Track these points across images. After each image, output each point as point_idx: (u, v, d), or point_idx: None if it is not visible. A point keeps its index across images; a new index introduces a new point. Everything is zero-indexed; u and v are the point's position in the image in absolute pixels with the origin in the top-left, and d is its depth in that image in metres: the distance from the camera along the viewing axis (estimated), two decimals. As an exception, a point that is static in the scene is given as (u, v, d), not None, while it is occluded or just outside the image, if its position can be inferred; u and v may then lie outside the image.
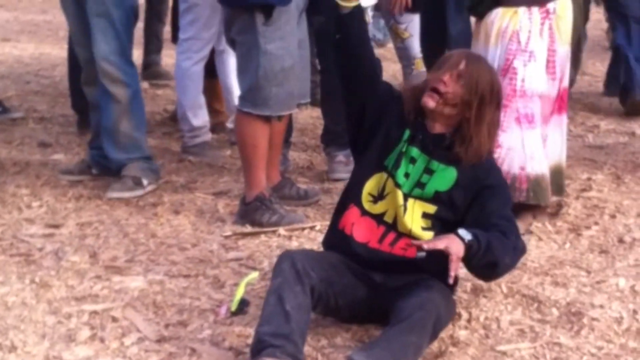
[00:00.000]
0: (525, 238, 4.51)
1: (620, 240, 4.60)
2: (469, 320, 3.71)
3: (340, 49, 3.75)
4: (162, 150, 5.99)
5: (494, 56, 4.54)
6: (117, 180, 5.22)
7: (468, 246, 3.30)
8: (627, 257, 4.40)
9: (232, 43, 4.87)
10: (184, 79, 5.94)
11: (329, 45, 5.24)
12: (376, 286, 3.57)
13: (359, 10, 3.65)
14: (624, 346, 3.54)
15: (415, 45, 6.32)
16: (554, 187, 4.78)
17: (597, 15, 9.52)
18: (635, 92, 6.86)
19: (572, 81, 6.86)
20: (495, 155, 4.36)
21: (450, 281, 3.27)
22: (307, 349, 3.39)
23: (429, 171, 3.59)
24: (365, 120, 3.69)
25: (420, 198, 3.57)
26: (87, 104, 5.97)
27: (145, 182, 5.21)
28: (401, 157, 3.60)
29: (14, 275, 4.12)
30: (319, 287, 3.42)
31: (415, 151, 3.60)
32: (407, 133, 3.62)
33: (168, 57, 8.78)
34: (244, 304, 3.75)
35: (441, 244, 3.28)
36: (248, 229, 4.70)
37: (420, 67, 6.32)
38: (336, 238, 3.68)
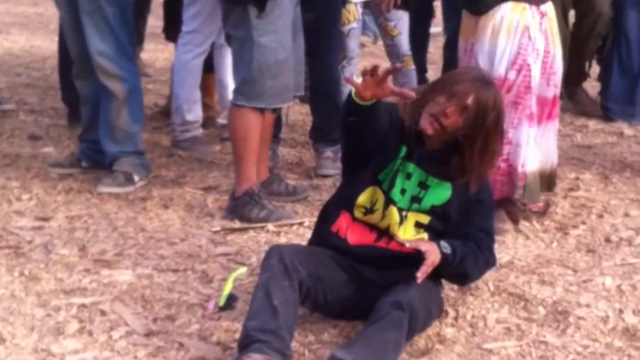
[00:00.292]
0: (512, 236, 4.57)
1: (607, 240, 4.62)
2: (455, 318, 3.73)
3: (351, 130, 3.59)
4: (152, 144, 5.99)
5: (504, 51, 4.51)
6: (109, 175, 5.22)
7: (444, 257, 3.48)
8: (614, 256, 4.42)
9: (229, 38, 4.89)
10: (182, 71, 5.93)
11: (317, 42, 5.27)
12: (365, 283, 3.57)
13: (377, 102, 3.52)
14: (609, 345, 3.56)
15: (404, 43, 6.34)
16: (544, 185, 4.81)
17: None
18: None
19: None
20: (505, 152, 4.47)
21: (418, 281, 3.39)
22: (294, 344, 3.40)
23: (424, 186, 3.61)
24: (365, 155, 3.67)
25: (417, 211, 3.61)
26: (77, 97, 5.97)
27: (136, 178, 5.22)
28: (397, 174, 3.60)
29: (3, 267, 4.12)
30: (307, 282, 3.42)
31: (411, 167, 3.61)
32: (403, 150, 3.61)
33: (159, 52, 8.81)
34: (232, 299, 3.76)
35: (422, 246, 3.44)
36: (237, 224, 4.72)
37: (409, 64, 6.34)
38: (328, 239, 3.67)
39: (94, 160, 5.47)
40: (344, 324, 3.63)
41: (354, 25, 6.05)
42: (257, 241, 4.52)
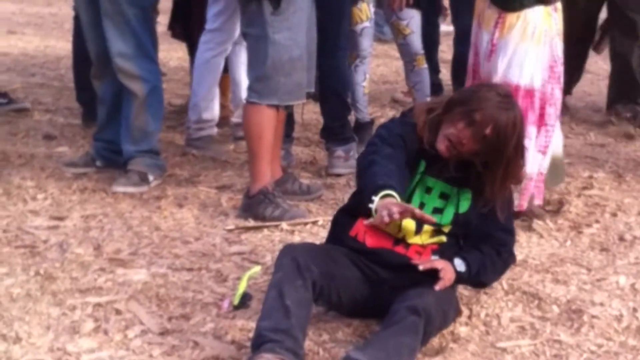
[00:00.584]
0: (526, 235, 4.57)
1: (621, 238, 4.62)
2: (469, 317, 3.73)
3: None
4: (166, 143, 6.00)
5: (537, 56, 4.52)
6: (123, 175, 5.23)
7: (459, 276, 3.56)
8: (628, 255, 4.42)
9: (245, 35, 4.90)
10: (202, 69, 5.94)
11: (326, 42, 5.27)
12: (380, 282, 3.58)
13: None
14: (623, 344, 3.56)
15: (416, 42, 6.33)
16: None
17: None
18: None
19: None
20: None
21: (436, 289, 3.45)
22: (308, 343, 3.41)
23: (444, 196, 3.62)
24: None
25: (437, 224, 3.61)
26: (91, 97, 6.00)
27: (150, 177, 5.23)
28: (415, 190, 3.61)
29: (19, 267, 4.13)
30: (321, 282, 3.42)
31: (431, 181, 3.61)
32: (422, 165, 3.61)
33: (173, 51, 8.82)
34: (246, 297, 3.77)
35: (437, 266, 3.50)
36: (251, 223, 4.73)
37: (421, 63, 6.34)
38: (345, 242, 3.66)
39: (109, 160, 5.49)
40: (358, 323, 3.64)
41: (367, 24, 6.05)
42: (272, 240, 4.53)
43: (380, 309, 3.51)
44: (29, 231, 4.55)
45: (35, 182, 5.25)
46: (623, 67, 6.85)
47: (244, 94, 5.93)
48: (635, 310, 3.83)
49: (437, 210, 3.61)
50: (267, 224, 4.69)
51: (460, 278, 3.58)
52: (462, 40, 6.16)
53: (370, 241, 3.62)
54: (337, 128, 5.70)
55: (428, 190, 3.62)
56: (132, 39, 5.14)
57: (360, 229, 3.64)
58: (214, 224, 4.73)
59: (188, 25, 6.54)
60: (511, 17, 4.52)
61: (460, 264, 3.57)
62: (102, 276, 4.06)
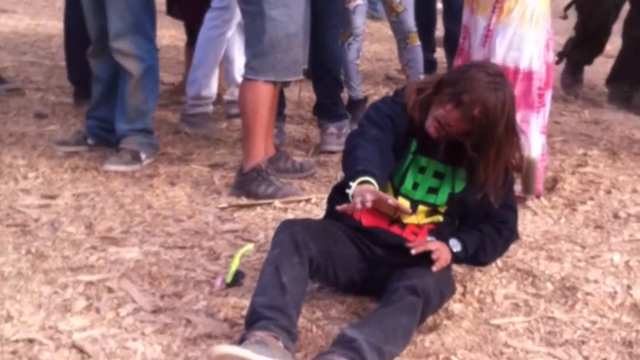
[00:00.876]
0: (520, 212, 4.54)
1: (615, 216, 4.61)
2: (463, 294, 3.73)
3: None
4: (159, 122, 5.97)
5: (537, 39, 4.50)
6: (115, 153, 5.21)
7: (455, 256, 3.55)
8: (622, 232, 4.41)
9: (242, 13, 4.88)
10: (207, 46, 5.90)
11: (318, 20, 5.24)
12: (377, 259, 3.56)
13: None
14: (617, 321, 3.56)
15: (409, 19, 6.30)
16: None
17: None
18: None
19: None
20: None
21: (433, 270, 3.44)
22: (302, 320, 3.40)
23: (439, 176, 3.59)
24: None
25: (432, 205, 3.59)
26: (83, 76, 5.97)
27: (143, 156, 5.21)
28: (408, 170, 3.58)
29: (10, 245, 4.11)
30: (318, 259, 3.41)
31: (424, 160, 3.58)
32: (414, 144, 3.57)
33: (165, 29, 8.77)
34: (239, 275, 3.76)
35: (431, 247, 3.48)
36: (244, 200, 4.71)
37: (414, 41, 6.30)
38: (342, 219, 3.62)
39: (101, 138, 5.47)
40: (352, 300, 3.63)
41: (360, 2, 6.02)
42: (264, 218, 4.51)
43: (376, 287, 3.51)
44: (20, 210, 4.53)
45: (27, 160, 5.22)
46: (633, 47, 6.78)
47: (237, 72, 5.93)
48: (629, 287, 3.83)
49: (432, 190, 3.59)
50: (260, 201, 4.68)
51: (456, 258, 3.56)
52: (452, 17, 6.14)
53: (366, 220, 3.60)
54: (329, 105, 5.69)
55: (421, 169, 3.59)
56: (130, 16, 5.12)
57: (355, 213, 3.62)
58: (207, 202, 4.71)
59: (185, 4, 6.50)
60: (509, 1, 4.48)
61: (455, 244, 3.55)
62: (93, 254, 4.04)
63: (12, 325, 3.39)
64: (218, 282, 3.76)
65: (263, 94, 4.74)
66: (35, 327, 3.39)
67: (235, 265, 3.78)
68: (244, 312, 3.34)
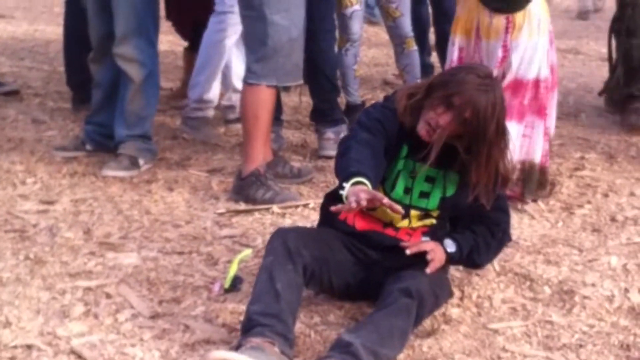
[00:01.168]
0: (517, 216, 4.57)
1: (613, 219, 4.62)
2: (461, 298, 3.73)
3: None
4: (157, 127, 5.97)
5: (543, 46, 4.55)
6: (114, 159, 5.22)
7: (449, 256, 3.56)
8: (619, 235, 4.42)
9: (243, 18, 4.88)
10: (211, 50, 5.90)
11: (312, 25, 5.24)
12: (372, 263, 3.57)
13: None
14: (615, 324, 3.56)
15: (406, 25, 6.30)
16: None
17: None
18: None
19: None
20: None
21: (428, 272, 3.44)
22: (300, 326, 3.41)
23: (430, 180, 3.58)
24: None
25: (424, 210, 3.59)
26: (82, 81, 5.98)
27: (141, 162, 5.21)
28: (399, 175, 3.57)
29: (9, 251, 4.12)
30: (312, 265, 3.42)
31: (414, 164, 3.56)
32: (405, 149, 3.56)
33: (163, 35, 8.76)
34: (237, 281, 3.76)
35: (426, 248, 3.49)
36: (242, 206, 4.71)
37: (411, 46, 6.30)
38: (335, 225, 3.65)
39: (99, 144, 5.47)
40: (350, 306, 3.63)
41: (357, 7, 6.02)
42: (262, 223, 4.52)
43: (372, 291, 3.52)
44: (19, 215, 4.53)
45: (25, 166, 5.23)
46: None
47: (234, 77, 5.93)
48: (626, 290, 3.83)
49: (424, 195, 3.59)
50: (258, 207, 4.68)
51: (451, 259, 3.57)
52: (445, 19, 6.13)
53: (359, 224, 3.62)
54: (326, 110, 5.70)
55: (413, 174, 3.58)
56: (135, 20, 5.13)
57: (349, 214, 3.63)
58: (205, 207, 4.71)
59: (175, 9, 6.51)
60: (518, 17, 4.52)
61: (450, 245, 3.56)
62: (92, 260, 4.05)
63: (11, 331, 3.39)
64: (216, 288, 3.77)
65: (265, 98, 4.75)
66: (33, 332, 3.40)
67: (233, 270, 3.79)
68: (242, 318, 3.34)
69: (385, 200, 3.29)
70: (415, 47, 6.28)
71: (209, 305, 3.63)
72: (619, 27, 6.21)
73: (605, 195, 4.93)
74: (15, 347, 3.29)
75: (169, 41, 8.70)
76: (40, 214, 4.57)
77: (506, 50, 4.54)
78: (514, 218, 4.54)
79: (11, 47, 8.76)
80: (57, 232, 4.33)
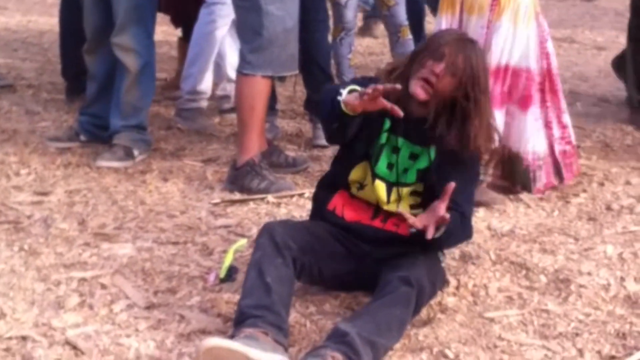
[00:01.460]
0: (513, 205, 4.57)
1: (609, 208, 4.61)
2: (457, 287, 3.72)
3: (334, 132, 3.50)
4: (151, 117, 5.95)
5: (527, 41, 4.53)
6: (108, 149, 5.21)
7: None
8: (615, 224, 4.41)
9: (235, 7, 4.87)
10: (202, 41, 5.90)
11: (306, 15, 5.23)
12: (363, 255, 3.56)
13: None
14: (611, 313, 3.56)
15: (401, 13, 6.30)
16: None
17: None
18: None
19: None
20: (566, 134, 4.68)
21: (429, 236, 3.22)
22: (295, 315, 3.41)
23: (413, 156, 3.56)
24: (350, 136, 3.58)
25: (408, 185, 3.56)
26: (76, 72, 5.97)
27: (136, 152, 5.20)
28: (382, 149, 3.55)
29: (3, 242, 4.11)
30: (301, 258, 3.41)
31: (399, 141, 3.54)
32: (387, 123, 3.54)
33: (157, 25, 8.74)
34: (232, 271, 3.76)
35: (418, 223, 3.27)
36: (237, 196, 4.70)
37: (406, 35, 6.31)
38: (325, 216, 3.64)
39: (93, 134, 5.46)
40: (345, 295, 3.62)
41: (352, -4, 6.02)
42: (258, 213, 4.51)
43: (365, 281, 3.51)
44: (13, 207, 4.52)
45: (19, 157, 5.22)
46: None
47: (228, 67, 5.92)
48: (622, 279, 3.82)
49: (406, 171, 3.56)
50: (253, 196, 4.67)
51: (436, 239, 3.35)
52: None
53: (348, 215, 3.60)
54: (320, 100, 5.69)
55: (395, 150, 3.56)
56: (134, 10, 5.12)
57: (338, 202, 3.62)
58: (200, 198, 4.71)
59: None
60: (498, 4, 4.50)
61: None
62: (86, 251, 4.04)
63: (5, 323, 3.38)
64: (211, 278, 3.76)
65: (260, 89, 4.73)
66: (28, 324, 3.39)
67: (228, 260, 3.78)
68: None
69: (388, 85, 3.29)
70: (410, 36, 6.28)
71: (205, 296, 3.62)
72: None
73: (601, 184, 4.92)
74: (10, 338, 3.28)
75: (163, 31, 8.69)
76: (35, 205, 4.56)
77: (488, 28, 4.51)
78: (510, 207, 4.57)
79: (4, 38, 8.75)
80: (51, 223, 4.32)
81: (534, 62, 4.56)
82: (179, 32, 6.94)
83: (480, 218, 4.42)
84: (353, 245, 3.57)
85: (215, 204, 4.60)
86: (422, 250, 3.48)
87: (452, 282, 3.74)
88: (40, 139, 5.53)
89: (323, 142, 5.51)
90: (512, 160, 4.68)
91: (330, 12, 5.93)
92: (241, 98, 4.80)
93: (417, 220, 3.26)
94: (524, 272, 3.88)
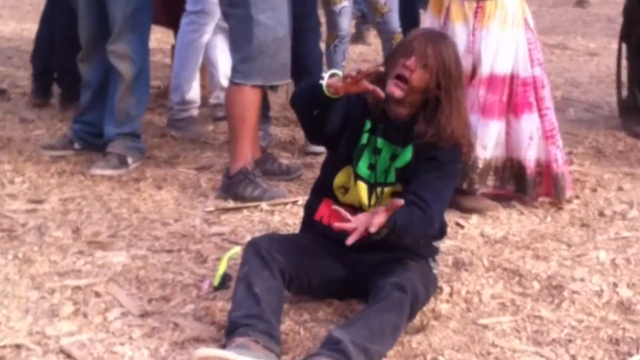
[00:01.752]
0: (506, 212, 4.58)
1: (601, 214, 4.63)
2: (450, 294, 3.73)
3: (314, 121, 3.50)
4: (145, 125, 5.96)
5: (519, 42, 4.54)
6: (102, 157, 5.21)
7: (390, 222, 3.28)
8: (608, 230, 4.43)
9: (226, 16, 4.88)
10: (186, 50, 5.92)
11: (297, 23, 5.24)
12: (354, 263, 3.55)
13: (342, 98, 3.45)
14: (604, 319, 3.57)
15: (394, 20, 6.32)
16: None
17: None
18: None
19: None
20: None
21: (348, 243, 3.21)
22: (289, 323, 3.41)
23: (393, 157, 3.56)
24: (329, 136, 3.60)
25: (389, 184, 3.56)
26: (71, 80, 5.97)
27: (130, 160, 5.21)
28: (363, 149, 3.56)
29: (-3, 251, 4.12)
30: (289, 269, 3.41)
31: (379, 141, 3.55)
32: (368, 124, 3.56)
33: (151, 34, 8.75)
34: (226, 278, 3.76)
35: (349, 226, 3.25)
36: (230, 204, 4.71)
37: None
38: (313, 227, 3.66)
39: (87, 142, 5.47)
40: (339, 302, 3.63)
41: (345, 3, 6.03)
42: (251, 220, 4.51)
43: (358, 289, 3.51)
44: (7, 215, 4.52)
45: (13, 165, 5.22)
46: None
47: (221, 75, 5.93)
48: (615, 285, 3.84)
49: (386, 172, 3.57)
50: (247, 204, 4.68)
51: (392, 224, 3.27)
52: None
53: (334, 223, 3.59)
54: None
55: (376, 150, 3.57)
56: (130, 17, 5.13)
57: (324, 211, 3.63)
58: (194, 205, 4.71)
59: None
60: (490, 5, 4.49)
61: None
62: (81, 259, 4.04)
63: (0, 331, 3.38)
64: (205, 286, 3.76)
65: (251, 98, 4.74)
66: (22, 332, 3.39)
67: (222, 268, 3.78)
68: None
69: (372, 68, 3.36)
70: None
71: (199, 303, 3.62)
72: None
73: (594, 190, 4.94)
74: (4, 346, 3.28)
75: (157, 39, 8.70)
76: (29, 213, 4.56)
77: (474, 35, 4.52)
78: (503, 213, 4.57)
79: (-2, 46, 8.75)
80: (45, 232, 4.32)
81: (524, 68, 4.56)
82: (172, 40, 6.94)
83: (473, 225, 4.44)
84: (343, 254, 3.55)
85: (209, 212, 4.60)
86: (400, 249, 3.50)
87: (446, 288, 3.74)
88: (35, 147, 5.54)
89: (316, 149, 5.53)
90: (521, 172, 4.66)
91: (322, 20, 5.94)
92: (232, 108, 4.80)
93: (347, 223, 3.24)
94: (517, 278, 3.89)
